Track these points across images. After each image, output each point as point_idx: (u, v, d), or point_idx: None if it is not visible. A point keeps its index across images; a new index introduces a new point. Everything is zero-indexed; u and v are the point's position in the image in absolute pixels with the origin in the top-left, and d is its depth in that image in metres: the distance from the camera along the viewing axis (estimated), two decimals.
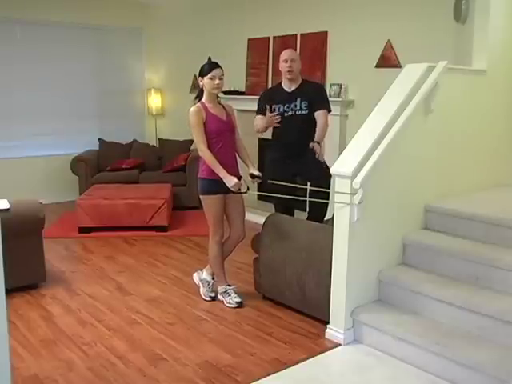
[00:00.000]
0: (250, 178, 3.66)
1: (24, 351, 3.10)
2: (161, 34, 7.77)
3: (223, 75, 3.63)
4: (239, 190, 3.55)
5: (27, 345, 3.18)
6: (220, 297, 3.85)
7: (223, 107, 3.72)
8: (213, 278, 3.91)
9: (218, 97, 3.71)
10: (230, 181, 3.47)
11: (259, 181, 3.68)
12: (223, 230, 3.79)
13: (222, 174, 3.49)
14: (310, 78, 5.34)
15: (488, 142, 4.15)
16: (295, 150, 4.07)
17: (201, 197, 3.70)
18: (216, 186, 3.58)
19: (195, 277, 3.99)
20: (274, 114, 3.98)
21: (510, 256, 3.09)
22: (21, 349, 3.12)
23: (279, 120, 3.95)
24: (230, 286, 3.84)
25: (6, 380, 1.91)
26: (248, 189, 3.61)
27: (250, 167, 3.73)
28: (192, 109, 3.58)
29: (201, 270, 4.01)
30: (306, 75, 4.88)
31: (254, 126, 4.15)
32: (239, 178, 3.53)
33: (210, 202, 3.65)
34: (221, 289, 3.84)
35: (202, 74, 3.59)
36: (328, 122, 4.11)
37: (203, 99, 3.65)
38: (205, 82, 3.59)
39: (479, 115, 4.03)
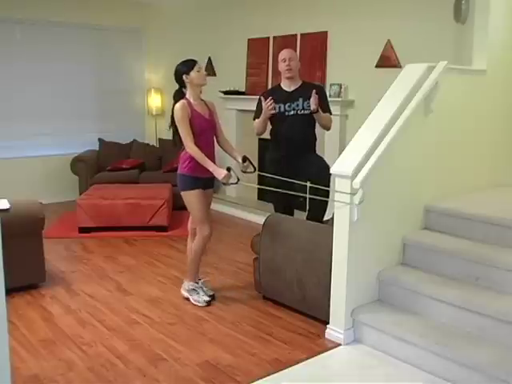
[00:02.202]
0: (242, 163, 3.64)
1: (24, 351, 3.10)
2: (161, 33, 7.77)
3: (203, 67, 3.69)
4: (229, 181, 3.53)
5: (27, 345, 3.18)
6: (185, 293, 3.84)
7: (205, 104, 3.73)
8: (196, 282, 3.88)
9: (200, 92, 3.73)
10: (220, 173, 3.47)
11: (251, 169, 3.66)
12: (210, 224, 3.76)
13: (212, 167, 3.50)
14: (310, 78, 5.36)
15: (488, 141, 4.15)
16: (296, 150, 4.06)
17: (183, 193, 3.70)
18: (198, 183, 3.63)
19: (183, 292, 3.91)
20: (267, 101, 3.94)
21: (510, 256, 3.09)
22: (21, 349, 3.13)
23: (272, 107, 3.94)
24: (197, 283, 3.84)
25: (6, 380, 1.91)
26: (238, 179, 3.59)
27: (237, 155, 3.73)
28: (178, 104, 3.60)
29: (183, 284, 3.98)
30: (306, 75, 4.89)
31: (254, 130, 4.15)
32: (228, 169, 3.51)
33: (193, 197, 3.66)
34: (189, 285, 3.84)
35: (187, 70, 3.59)
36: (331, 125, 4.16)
37: (187, 96, 3.66)
38: (192, 76, 3.59)
39: (479, 115, 4.03)
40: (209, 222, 3.75)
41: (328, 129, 4.20)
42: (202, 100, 3.73)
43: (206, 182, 3.68)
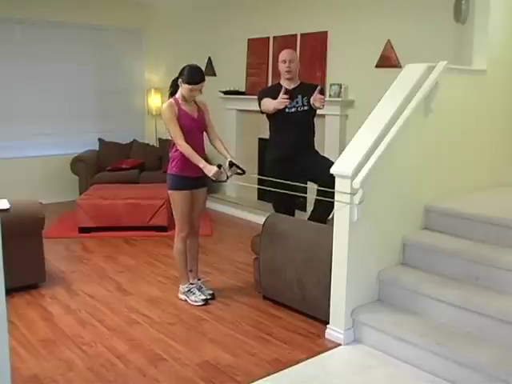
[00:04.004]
0: (227, 166, 3.63)
1: (24, 351, 3.10)
2: (161, 34, 7.77)
3: (203, 86, 3.63)
4: (218, 178, 3.53)
5: (27, 345, 3.18)
6: (183, 296, 3.85)
7: (195, 103, 3.73)
8: (191, 283, 3.88)
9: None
10: (210, 170, 3.47)
11: (238, 171, 3.63)
12: (189, 227, 3.79)
13: (202, 164, 3.50)
14: (310, 77, 5.37)
15: (488, 141, 4.15)
16: (297, 147, 4.05)
17: (169, 192, 3.74)
18: (186, 184, 3.64)
19: (180, 296, 3.89)
20: (286, 96, 3.87)
21: (510, 256, 3.09)
22: (21, 349, 3.13)
23: (287, 102, 3.88)
24: (192, 284, 3.85)
25: (6, 380, 1.91)
26: (227, 177, 3.60)
27: (228, 156, 3.73)
28: (165, 104, 3.61)
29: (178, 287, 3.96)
30: (306, 75, 4.89)
31: (262, 106, 4.05)
32: (219, 166, 3.50)
33: (178, 198, 3.68)
34: (183, 288, 3.85)
35: (184, 79, 3.57)
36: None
37: (177, 95, 3.67)
38: (184, 87, 3.59)
39: (479, 115, 4.03)
40: (187, 226, 3.76)
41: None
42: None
43: (197, 182, 3.69)
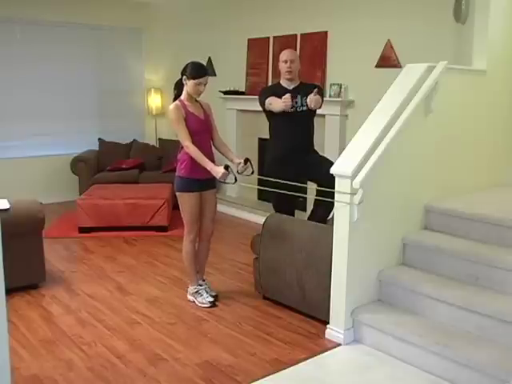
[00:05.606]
0: (243, 164, 3.59)
1: (24, 351, 3.10)
2: (161, 33, 7.77)
3: (207, 80, 3.64)
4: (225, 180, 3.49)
5: (27, 345, 3.18)
6: (191, 297, 3.84)
7: (201, 105, 3.73)
8: (200, 285, 3.87)
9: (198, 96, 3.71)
10: (218, 171, 3.44)
11: (249, 172, 3.62)
12: (198, 229, 3.78)
13: (210, 166, 3.48)
14: (310, 77, 5.37)
15: (488, 142, 4.15)
16: (296, 146, 4.05)
17: (177, 194, 3.71)
18: (194, 185, 3.62)
19: (189, 297, 3.90)
20: (288, 98, 3.84)
21: (510, 256, 3.09)
22: (21, 349, 3.13)
23: (290, 105, 3.87)
24: (200, 285, 3.84)
25: (5, 380, 1.91)
26: (236, 179, 3.55)
27: (234, 158, 3.71)
28: (172, 106, 3.60)
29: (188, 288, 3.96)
30: (305, 75, 4.88)
31: (269, 105, 3.99)
32: (226, 167, 3.47)
33: (186, 200, 3.66)
34: (192, 289, 3.84)
35: (189, 75, 3.56)
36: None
37: (182, 97, 3.66)
38: (189, 84, 3.57)
39: (479, 115, 4.03)
40: (196, 228, 3.74)
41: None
42: (197, 101, 3.71)
43: (206, 184, 3.67)
